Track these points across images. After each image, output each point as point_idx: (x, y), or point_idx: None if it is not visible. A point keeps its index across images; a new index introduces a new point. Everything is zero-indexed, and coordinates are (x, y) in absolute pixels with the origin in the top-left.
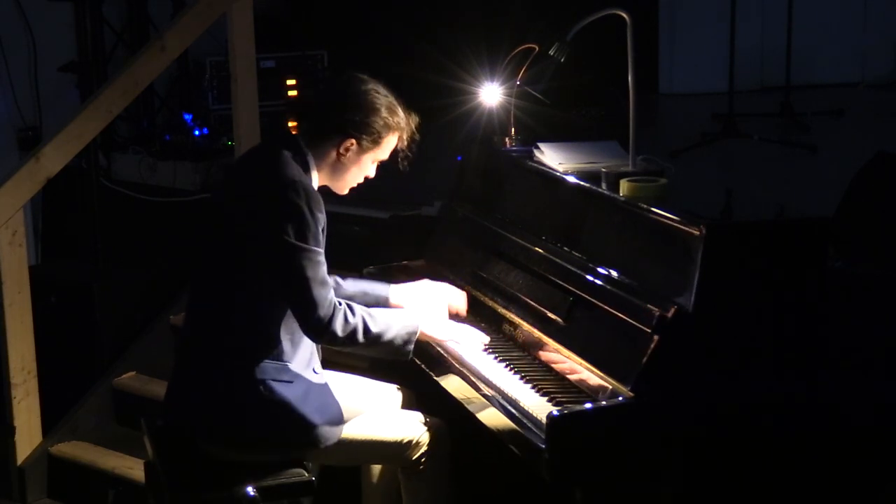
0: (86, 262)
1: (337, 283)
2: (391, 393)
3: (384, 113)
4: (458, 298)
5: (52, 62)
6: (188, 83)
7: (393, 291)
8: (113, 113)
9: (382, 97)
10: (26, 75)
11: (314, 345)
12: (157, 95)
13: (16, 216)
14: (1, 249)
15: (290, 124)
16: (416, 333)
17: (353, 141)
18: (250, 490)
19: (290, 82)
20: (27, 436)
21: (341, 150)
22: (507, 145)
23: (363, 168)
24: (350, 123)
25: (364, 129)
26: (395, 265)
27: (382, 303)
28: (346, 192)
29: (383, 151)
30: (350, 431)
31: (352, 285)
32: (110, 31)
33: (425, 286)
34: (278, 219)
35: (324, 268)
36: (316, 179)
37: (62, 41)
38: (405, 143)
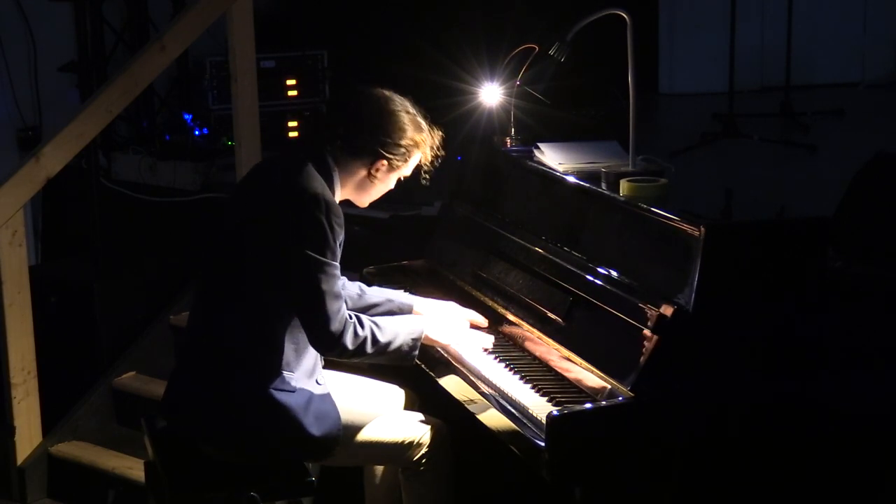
0: (86, 262)
1: (361, 290)
2: (394, 394)
3: (411, 132)
4: (480, 319)
5: (52, 62)
6: (188, 83)
7: (417, 302)
8: (113, 113)
9: (411, 116)
10: (26, 75)
11: (318, 355)
12: (157, 95)
13: (16, 216)
14: (1, 249)
15: (291, 124)
16: (420, 338)
17: (385, 161)
18: (251, 490)
19: (290, 82)
20: (27, 436)
21: (373, 171)
22: (507, 145)
23: (388, 184)
24: (382, 145)
25: (395, 150)
26: (395, 265)
27: (406, 312)
28: (366, 205)
29: (409, 168)
30: (351, 432)
31: (377, 293)
32: (110, 31)
33: (452, 305)
34: (298, 231)
35: (339, 281)
36: (339, 195)
37: (62, 41)
38: (428, 157)
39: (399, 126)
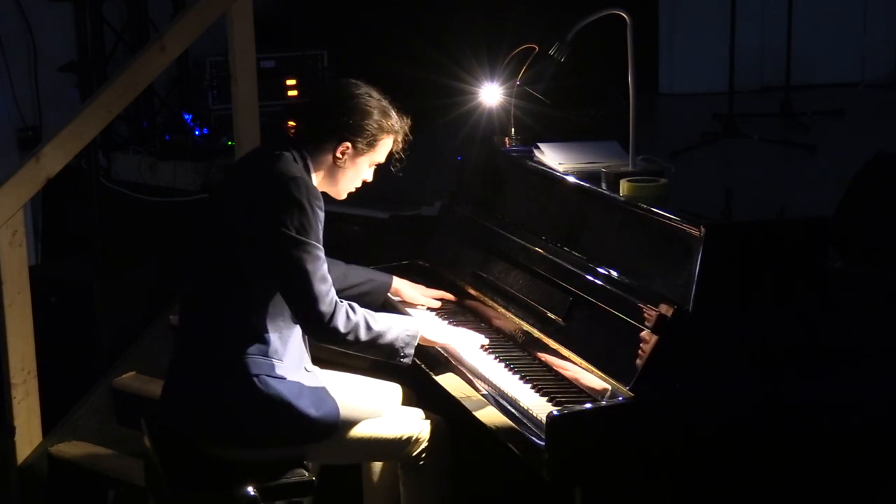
0: (86, 262)
1: (345, 269)
2: (392, 391)
3: (377, 116)
4: (439, 301)
5: (52, 62)
6: (188, 83)
7: (395, 280)
8: (113, 113)
9: (375, 100)
10: (26, 75)
11: (304, 343)
12: (157, 95)
13: (16, 216)
14: (1, 249)
15: (289, 124)
16: (416, 337)
17: (349, 144)
18: (250, 490)
19: (290, 82)
20: (27, 436)
21: (337, 154)
22: (507, 145)
23: (360, 171)
24: (344, 126)
25: (358, 132)
26: (395, 265)
27: (385, 286)
28: (344, 196)
29: (379, 154)
30: (350, 428)
31: (357, 273)
32: (110, 31)
33: (421, 288)
34: (279, 213)
35: (324, 264)
36: (316, 182)
37: (62, 41)
38: (399, 145)
39: (361, 108)
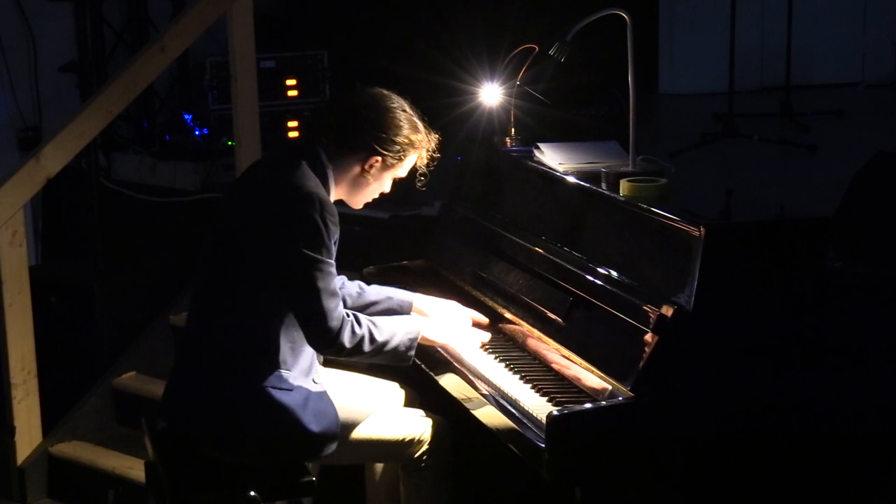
0: (86, 262)
1: (361, 288)
2: (393, 391)
3: (407, 130)
4: (481, 318)
5: (52, 62)
6: (188, 83)
7: (417, 299)
8: (113, 113)
9: (406, 115)
10: (26, 75)
11: (314, 353)
12: (157, 95)
13: (16, 216)
14: (1, 249)
15: (291, 124)
16: (417, 338)
17: (379, 158)
18: (251, 490)
19: (290, 82)
20: (27, 436)
21: (366, 167)
22: (507, 145)
23: (382, 184)
24: (377, 140)
25: (389, 147)
26: (395, 265)
27: (406, 309)
28: (360, 206)
29: (404, 169)
30: (352, 430)
31: (376, 291)
32: (110, 31)
33: (453, 304)
34: (292, 230)
35: (335, 279)
36: (333, 193)
37: (62, 41)
38: (424, 161)
39: (395, 123)
